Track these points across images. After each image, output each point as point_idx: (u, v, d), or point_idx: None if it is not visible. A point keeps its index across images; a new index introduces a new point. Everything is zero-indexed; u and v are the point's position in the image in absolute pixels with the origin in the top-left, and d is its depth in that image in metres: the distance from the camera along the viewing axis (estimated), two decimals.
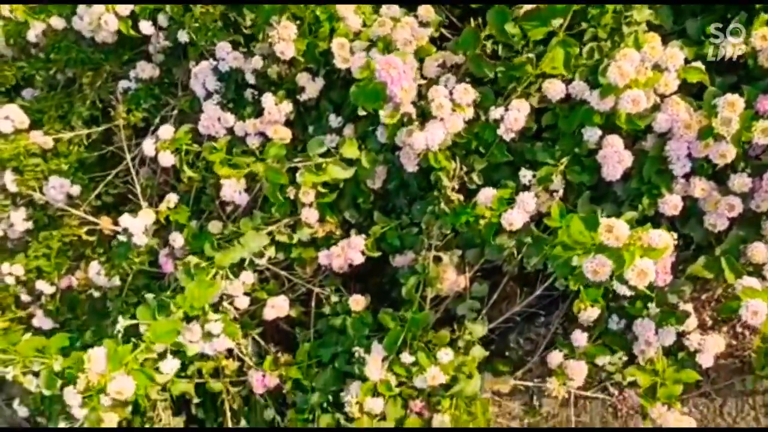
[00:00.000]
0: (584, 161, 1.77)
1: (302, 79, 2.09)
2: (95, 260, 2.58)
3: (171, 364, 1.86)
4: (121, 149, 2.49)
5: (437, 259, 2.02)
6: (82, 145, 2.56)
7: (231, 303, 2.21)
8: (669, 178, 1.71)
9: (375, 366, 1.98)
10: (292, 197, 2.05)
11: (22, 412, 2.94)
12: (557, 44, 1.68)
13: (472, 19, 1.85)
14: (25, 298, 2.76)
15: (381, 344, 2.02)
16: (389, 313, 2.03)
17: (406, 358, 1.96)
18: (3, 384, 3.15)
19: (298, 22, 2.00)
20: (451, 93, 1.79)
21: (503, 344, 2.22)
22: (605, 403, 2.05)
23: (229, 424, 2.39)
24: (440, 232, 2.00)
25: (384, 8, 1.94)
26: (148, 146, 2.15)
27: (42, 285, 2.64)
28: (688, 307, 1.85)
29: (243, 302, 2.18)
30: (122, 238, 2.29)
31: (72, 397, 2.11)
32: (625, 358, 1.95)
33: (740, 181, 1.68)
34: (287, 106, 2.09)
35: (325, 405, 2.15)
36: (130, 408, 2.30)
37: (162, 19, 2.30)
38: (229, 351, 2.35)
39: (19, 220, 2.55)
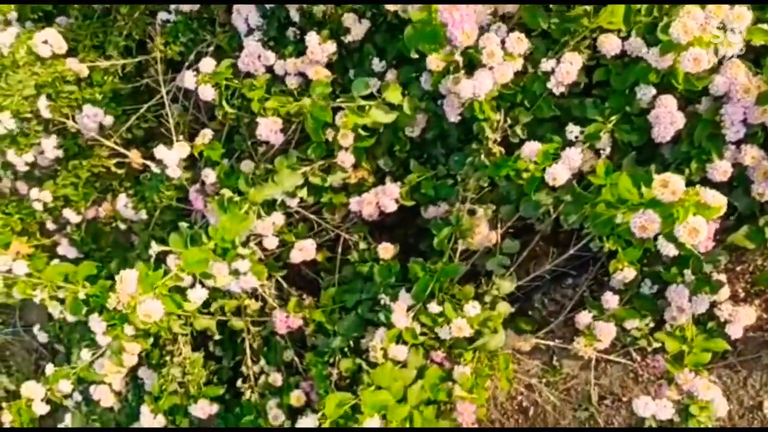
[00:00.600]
0: (634, 120, 1.74)
1: (348, 20, 2.05)
2: (123, 193, 2.59)
3: (199, 293, 1.87)
4: (156, 82, 2.47)
5: (471, 212, 2.01)
6: (117, 76, 2.54)
7: (258, 243, 2.22)
8: (720, 144, 1.68)
9: (401, 314, 1.98)
10: (330, 139, 2.03)
11: (42, 337, 3.00)
12: None
13: None
14: (50, 226, 2.78)
15: (408, 293, 2.02)
16: (419, 263, 2.03)
17: (433, 308, 1.97)
18: (22, 310, 3.19)
19: None
20: (503, 42, 1.76)
21: (528, 303, 2.22)
22: (626, 367, 2.05)
23: (249, 363, 2.42)
24: (477, 184, 1.98)
25: None
26: (188, 78, 2.12)
27: (69, 213, 2.65)
28: (722, 277, 1.85)
29: (272, 242, 2.19)
30: (155, 170, 2.28)
31: (96, 324, 2.14)
32: (651, 325, 1.95)
33: None
34: (330, 47, 2.06)
35: (345, 350, 2.17)
36: (151, 340, 2.34)
37: None
38: (252, 291, 2.37)
39: (50, 148, 2.55)
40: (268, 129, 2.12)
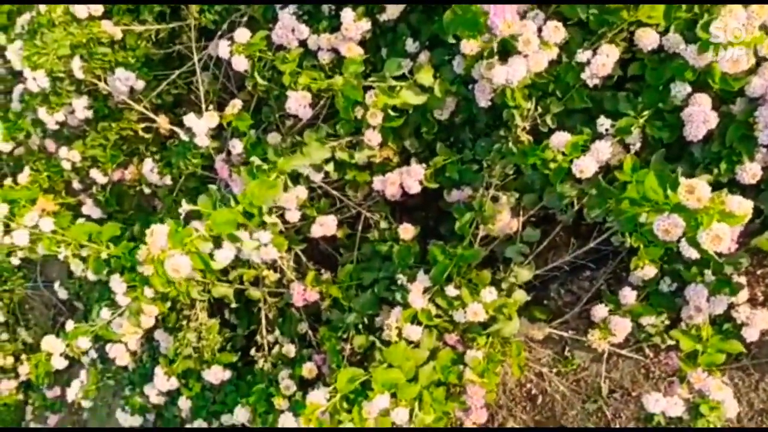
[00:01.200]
0: (667, 117, 1.73)
1: None
2: (149, 157, 2.61)
3: (226, 253, 1.88)
4: (188, 49, 2.49)
5: (494, 199, 2.01)
6: (150, 41, 2.56)
7: (281, 216, 2.24)
8: (752, 146, 1.67)
9: (418, 294, 2.00)
10: (359, 117, 2.03)
11: (62, 294, 3.06)
12: None
13: None
14: (76, 185, 2.82)
15: (426, 275, 2.04)
16: (439, 246, 2.04)
17: (451, 291, 1.98)
18: (43, 265, 3.26)
19: None
20: (539, 30, 1.75)
21: (544, 293, 2.23)
22: (638, 363, 2.06)
23: (263, 333, 2.46)
24: (502, 171, 1.98)
25: None
26: (222, 48, 2.12)
27: (96, 174, 2.69)
28: (742, 279, 1.84)
29: (294, 216, 2.20)
30: (183, 137, 2.30)
31: (117, 284, 2.18)
32: (667, 322, 1.95)
33: None
34: (365, 25, 2.05)
35: (359, 326, 2.20)
36: (169, 303, 2.38)
37: None
38: (272, 263, 2.39)
39: (81, 108, 2.58)
40: (298, 103, 2.12)
